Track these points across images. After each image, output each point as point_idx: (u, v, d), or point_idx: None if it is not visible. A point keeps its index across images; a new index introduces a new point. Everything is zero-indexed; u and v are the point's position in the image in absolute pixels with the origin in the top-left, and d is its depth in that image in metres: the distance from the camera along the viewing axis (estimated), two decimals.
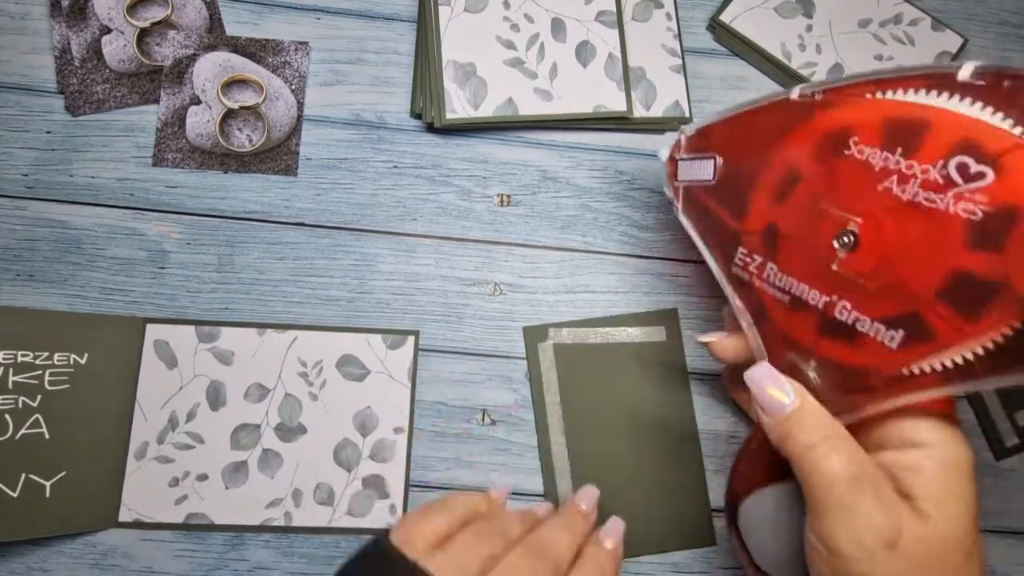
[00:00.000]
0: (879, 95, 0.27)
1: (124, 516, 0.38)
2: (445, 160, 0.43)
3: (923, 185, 0.25)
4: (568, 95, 0.42)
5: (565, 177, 0.43)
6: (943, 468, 0.26)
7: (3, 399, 0.35)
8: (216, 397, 0.39)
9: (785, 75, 0.44)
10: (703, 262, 0.42)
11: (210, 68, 0.42)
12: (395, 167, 0.43)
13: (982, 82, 0.24)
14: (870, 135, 0.26)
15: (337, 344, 0.40)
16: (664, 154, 0.37)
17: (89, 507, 0.37)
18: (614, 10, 0.44)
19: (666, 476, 0.40)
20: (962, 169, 0.24)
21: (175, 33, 0.42)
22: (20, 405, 0.35)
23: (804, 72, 0.44)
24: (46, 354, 0.37)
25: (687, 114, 0.44)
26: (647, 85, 0.44)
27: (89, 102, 0.41)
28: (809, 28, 0.45)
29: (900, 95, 0.26)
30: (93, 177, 0.41)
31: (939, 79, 0.25)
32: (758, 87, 0.45)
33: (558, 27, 0.43)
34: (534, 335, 0.41)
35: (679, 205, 0.35)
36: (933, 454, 0.26)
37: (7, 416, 0.35)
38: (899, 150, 0.26)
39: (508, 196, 0.43)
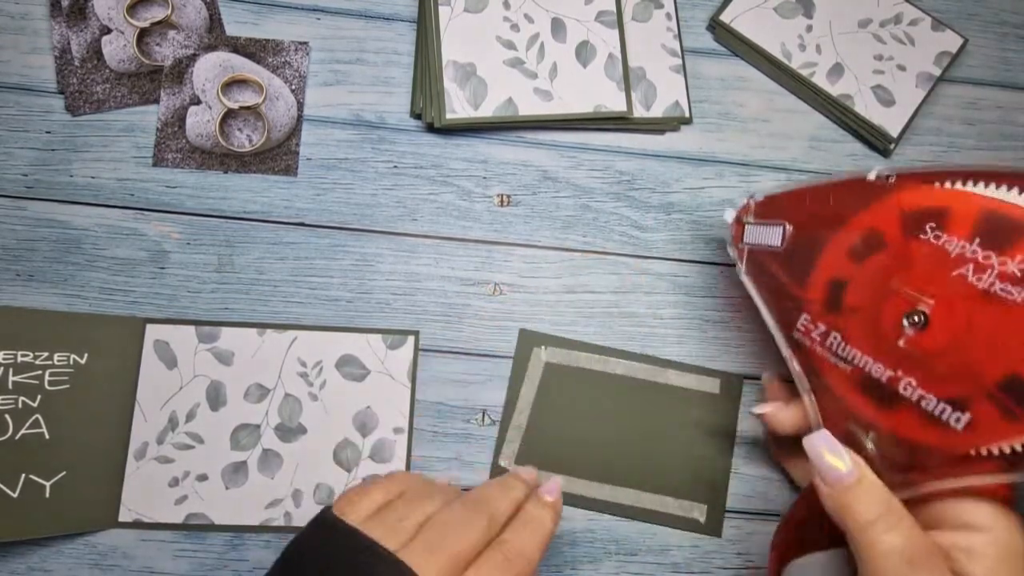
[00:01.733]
0: (959, 185, 0.27)
1: (124, 516, 0.38)
2: (445, 160, 0.43)
3: (1000, 276, 0.25)
4: (568, 95, 0.42)
5: (565, 177, 0.43)
6: (1002, 556, 0.26)
7: (3, 399, 0.35)
8: (216, 397, 0.39)
9: (785, 75, 0.44)
10: (703, 262, 0.43)
11: (210, 68, 0.42)
12: (395, 167, 0.43)
13: None
14: (957, 225, 0.27)
15: (337, 344, 0.40)
16: (730, 216, 0.37)
17: (89, 507, 0.37)
18: (614, 10, 0.44)
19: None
20: None
21: (175, 33, 0.42)
22: (20, 405, 0.35)
23: (804, 72, 0.44)
24: (46, 354, 0.37)
25: (687, 114, 0.44)
26: (647, 85, 0.44)
27: (89, 102, 0.41)
28: (809, 28, 0.45)
29: (988, 190, 0.27)
30: (93, 177, 0.41)
31: None
32: (758, 87, 0.45)
33: (558, 27, 0.43)
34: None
35: (742, 266, 0.36)
36: (992, 539, 0.26)
37: (7, 416, 0.35)
38: (979, 240, 0.26)
39: (508, 196, 0.43)
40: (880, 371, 0.29)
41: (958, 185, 0.27)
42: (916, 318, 0.28)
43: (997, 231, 0.26)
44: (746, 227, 0.36)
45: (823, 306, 0.31)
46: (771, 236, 0.34)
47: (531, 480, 0.33)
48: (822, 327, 0.31)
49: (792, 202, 0.34)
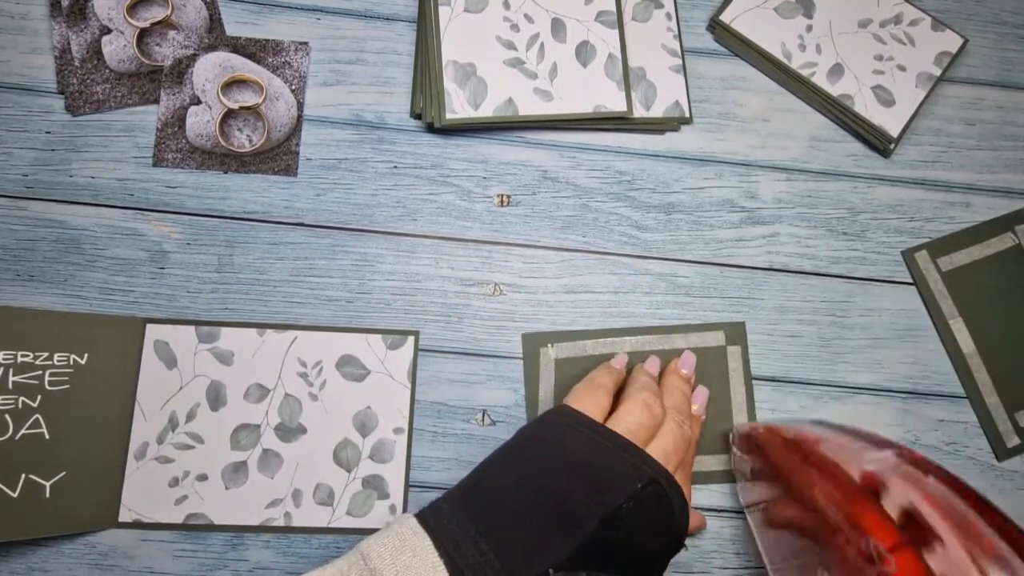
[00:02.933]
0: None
1: (124, 516, 0.38)
2: (445, 160, 0.43)
3: None
4: (568, 95, 0.42)
5: (565, 177, 0.43)
6: None
7: (3, 399, 0.35)
8: (216, 397, 0.39)
9: (785, 75, 0.44)
10: (703, 262, 0.43)
11: (210, 68, 0.42)
12: (395, 167, 0.43)
13: None
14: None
15: (337, 344, 0.40)
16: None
17: (89, 507, 0.37)
18: (614, 10, 0.44)
19: None
20: None
21: (175, 33, 0.42)
22: (20, 405, 0.35)
23: (804, 72, 0.44)
24: (46, 354, 0.37)
25: (687, 114, 0.44)
26: (647, 85, 0.44)
27: (89, 102, 0.41)
28: (809, 28, 0.45)
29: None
30: (93, 177, 0.41)
31: None
32: (758, 87, 0.45)
33: (558, 27, 0.43)
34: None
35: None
36: None
37: (7, 416, 0.35)
38: None
39: (508, 196, 0.43)
40: None
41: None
42: None
43: None
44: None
45: None
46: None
47: (690, 372, 0.39)
48: None
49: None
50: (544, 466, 0.30)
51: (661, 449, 0.32)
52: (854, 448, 0.31)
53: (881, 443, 0.31)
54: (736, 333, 0.42)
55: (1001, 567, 0.24)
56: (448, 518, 0.29)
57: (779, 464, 0.35)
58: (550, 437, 0.32)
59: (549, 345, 0.41)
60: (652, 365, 0.39)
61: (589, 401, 0.34)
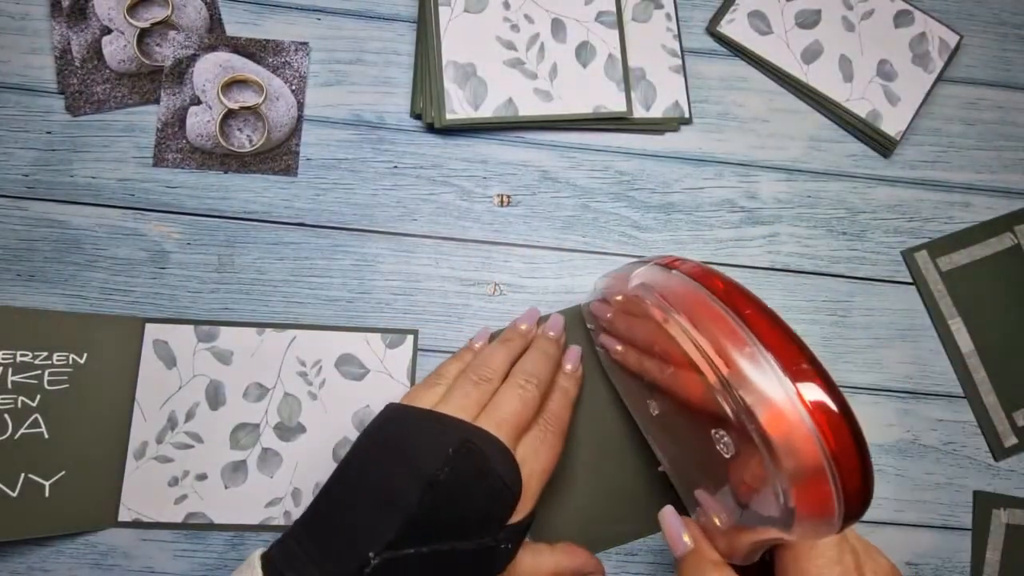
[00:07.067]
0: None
1: (124, 516, 0.38)
2: (445, 160, 0.43)
3: None
4: (568, 95, 0.42)
5: (565, 177, 0.43)
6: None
7: (3, 399, 0.35)
8: (215, 396, 0.39)
9: (785, 80, 0.44)
10: (702, 262, 0.43)
11: (210, 68, 0.42)
12: (395, 167, 0.43)
13: None
14: None
15: (336, 343, 0.40)
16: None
17: (89, 507, 0.37)
18: (614, 10, 0.44)
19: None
20: None
21: (175, 33, 0.42)
22: (19, 405, 0.35)
23: (802, 75, 0.44)
24: (45, 354, 0.37)
25: (687, 114, 0.44)
26: (647, 85, 0.44)
27: (89, 102, 0.41)
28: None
29: None
30: (93, 177, 0.41)
31: None
32: (758, 87, 0.45)
33: (558, 27, 0.43)
34: None
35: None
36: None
37: (7, 416, 0.35)
38: None
39: (508, 196, 0.43)
40: None
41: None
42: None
43: None
44: None
45: None
46: None
47: (558, 335, 0.39)
48: None
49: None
50: (364, 459, 0.31)
51: (493, 417, 0.32)
52: (627, 273, 0.33)
53: (646, 260, 0.33)
54: None
55: (735, 344, 0.25)
56: (287, 537, 0.30)
57: (603, 320, 0.37)
58: (370, 434, 0.33)
59: None
60: (529, 318, 0.39)
61: (418, 392, 0.34)
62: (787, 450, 0.23)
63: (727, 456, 0.26)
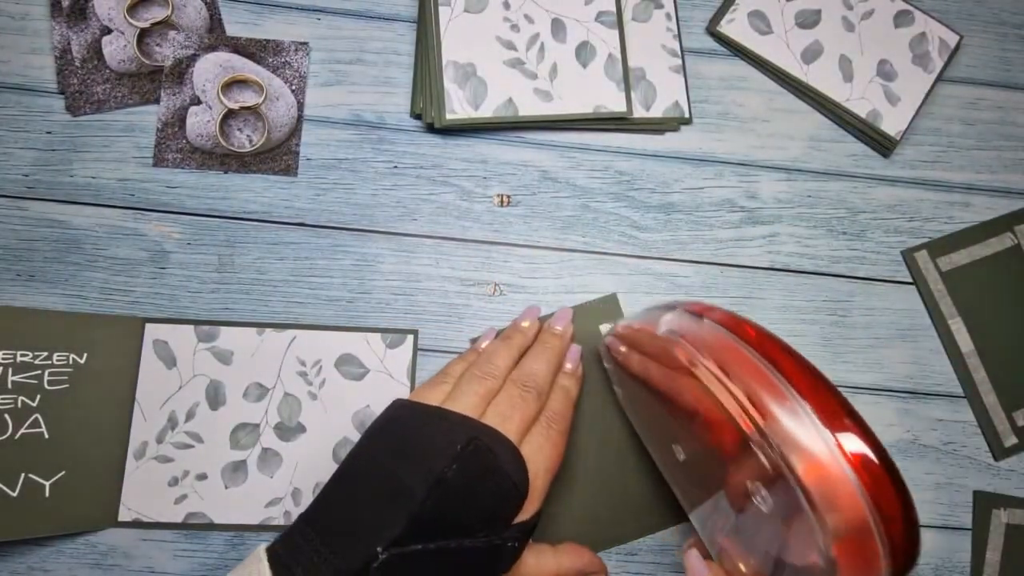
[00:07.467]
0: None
1: (124, 516, 0.38)
2: (445, 160, 0.43)
3: None
4: (568, 95, 0.42)
5: (565, 177, 0.43)
6: None
7: (3, 399, 0.35)
8: (215, 396, 0.39)
9: (785, 80, 0.45)
10: (703, 262, 0.43)
11: (210, 68, 0.42)
12: (395, 167, 0.43)
13: None
14: None
15: (336, 343, 0.40)
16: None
17: (89, 507, 0.37)
18: (614, 10, 0.44)
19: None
20: None
21: (175, 33, 0.42)
22: (20, 405, 0.35)
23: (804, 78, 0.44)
24: (45, 354, 0.37)
25: (687, 114, 0.44)
26: (647, 85, 0.44)
27: (89, 102, 0.41)
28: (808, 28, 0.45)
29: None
30: (93, 177, 0.41)
31: None
32: (758, 87, 0.45)
33: (558, 27, 0.43)
34: None
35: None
36: None
37: (7, 416, 0.35)
38: None
39: (508, 196, 0.43)
40: None
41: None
42: None
43: None
44: None
45: None
46: None
47: (565, 328, 0.38)
48: None
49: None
50: (371, 455, 0.32)
51: (497, 414, 0.32)
52: (654, 319, 0.33)
53: (672, 305, 0.33)
54: None
55: (772, 395, 0.24)
56: (292, 532, 0.30)
57: (626, 364, 0.36)
58: (377, 430, 0.33)
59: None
60: (529, 315, 0.39)
61: (425, 390, 0.34)
62: (829, 505, 0.22)
63: (764, 510, 0.25)
